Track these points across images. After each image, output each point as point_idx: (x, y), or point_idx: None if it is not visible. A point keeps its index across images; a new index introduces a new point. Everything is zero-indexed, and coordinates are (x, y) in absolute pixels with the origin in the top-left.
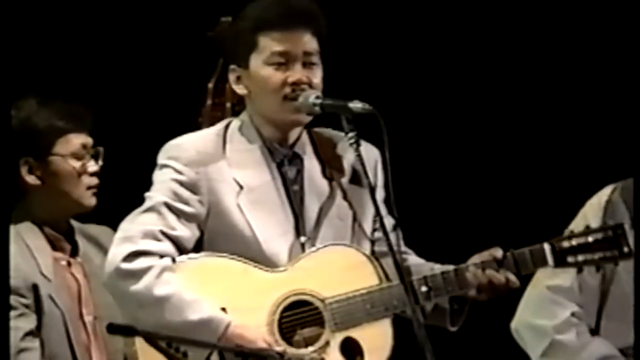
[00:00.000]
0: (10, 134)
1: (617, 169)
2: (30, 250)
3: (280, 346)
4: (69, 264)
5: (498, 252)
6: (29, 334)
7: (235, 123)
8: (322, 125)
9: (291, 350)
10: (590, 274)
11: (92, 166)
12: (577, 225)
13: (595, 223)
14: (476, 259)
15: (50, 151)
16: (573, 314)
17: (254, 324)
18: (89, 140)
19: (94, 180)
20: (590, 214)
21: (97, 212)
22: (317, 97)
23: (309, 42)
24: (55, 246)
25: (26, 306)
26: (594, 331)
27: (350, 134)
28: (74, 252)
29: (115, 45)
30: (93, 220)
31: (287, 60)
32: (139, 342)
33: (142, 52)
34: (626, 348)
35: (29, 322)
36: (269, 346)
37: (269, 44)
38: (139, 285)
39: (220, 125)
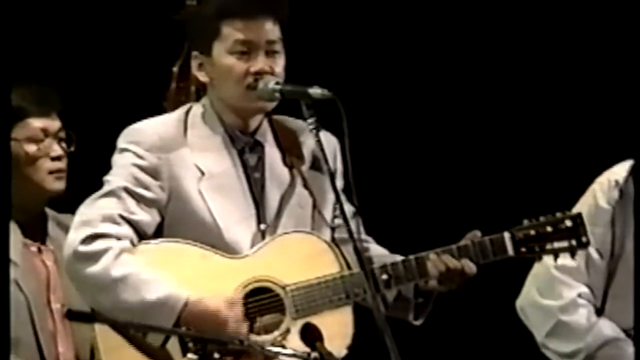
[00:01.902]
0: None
1: (601, 157)
2: None
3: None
4: (39, 250)
5: (477, 235)
6: None
7: (197, 109)
8: (283, 113)
9: (252, 337)
10: (597, 254)
11: (55, 150)
12: (584, 203)
13: (604, 202)
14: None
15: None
16: (580, 295)
17: None
18: (53, 124)
19: (57, 165)
20: (600, 192)
21: (69, 197)
22: (277, 83)
23: (272, 30)
24: (25, 232)
25: None
26: (600, 311)
27: (310, 120)
28: (45, 239)
29: (80, 27)
30: (67, 206)
31: (249, 49)
32: (98, 327)
33: (107, 35)
34: (630, 329)
35: None
36: (232, 304)
37: (232, 32)
38: (97, 267)
39: (181, 111)
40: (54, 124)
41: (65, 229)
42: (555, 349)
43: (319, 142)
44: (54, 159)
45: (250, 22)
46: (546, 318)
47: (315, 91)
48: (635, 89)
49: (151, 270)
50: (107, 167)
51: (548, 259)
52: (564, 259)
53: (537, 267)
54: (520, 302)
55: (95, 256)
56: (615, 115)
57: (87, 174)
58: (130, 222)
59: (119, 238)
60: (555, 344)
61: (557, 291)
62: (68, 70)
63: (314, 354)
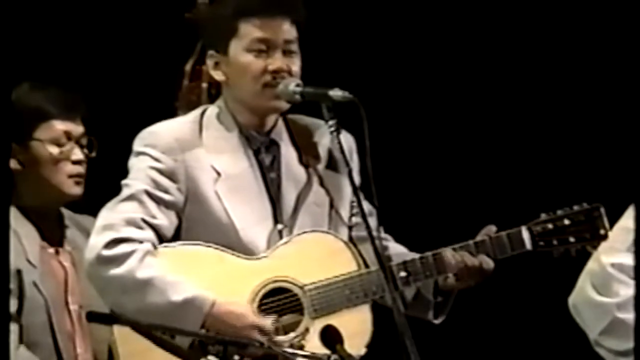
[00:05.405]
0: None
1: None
2: (18, 236)
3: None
4: (57, 252)
5: (492, 230)
6: None
7: (212, 110)
8: (297, 112)
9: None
10: None
11: (76, 154)
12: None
13: None
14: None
15: (31, 135)
16: None
17: None
18: (76, 129)
19: (77, 169)
20: None
21: (87, 201)
22: (298, 85)
23: (289, 30)
24: (43, 234)
25: None
26: None
27: (331, 122)
28: (62, 241)
29: (92, 29)
30: (85, 210)
31: (267, 48)
32: (118, 331)
33: (118, 35)
34: None
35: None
36: (257, 317)
37: (250, 30)
38: (121, 270)
39: (196, 112)
40: (78, 128)
41: (83, 229)
42: (609, 347)
43: (339, 144)
44: (74, 162)
45: (268, 21)
46: (601, 315)
47: (336, 93)
48: None
49: (173, 273)
50: (121, 170)
51: (603, 257)
52: (619, 257)
53: (591, 264)
54: (573, 299)
55: (120, 259)
56: (630, 109)
57: (101, 177)
58: (152, 226)
59: (141, 242)
60: (610, 342)
61: (613, 289)
62: (82, 72)
63: (334, 357)
